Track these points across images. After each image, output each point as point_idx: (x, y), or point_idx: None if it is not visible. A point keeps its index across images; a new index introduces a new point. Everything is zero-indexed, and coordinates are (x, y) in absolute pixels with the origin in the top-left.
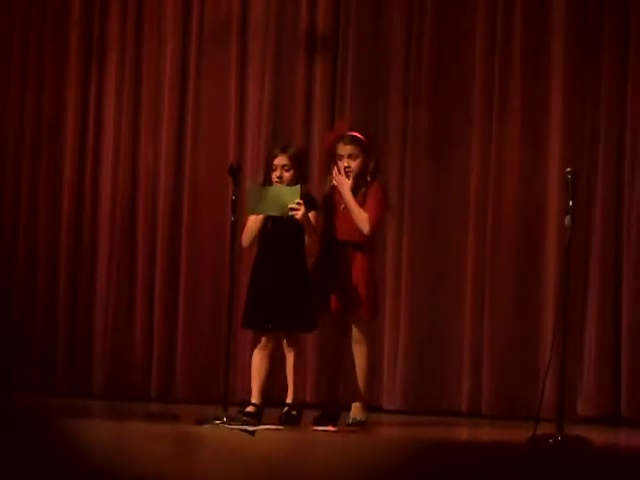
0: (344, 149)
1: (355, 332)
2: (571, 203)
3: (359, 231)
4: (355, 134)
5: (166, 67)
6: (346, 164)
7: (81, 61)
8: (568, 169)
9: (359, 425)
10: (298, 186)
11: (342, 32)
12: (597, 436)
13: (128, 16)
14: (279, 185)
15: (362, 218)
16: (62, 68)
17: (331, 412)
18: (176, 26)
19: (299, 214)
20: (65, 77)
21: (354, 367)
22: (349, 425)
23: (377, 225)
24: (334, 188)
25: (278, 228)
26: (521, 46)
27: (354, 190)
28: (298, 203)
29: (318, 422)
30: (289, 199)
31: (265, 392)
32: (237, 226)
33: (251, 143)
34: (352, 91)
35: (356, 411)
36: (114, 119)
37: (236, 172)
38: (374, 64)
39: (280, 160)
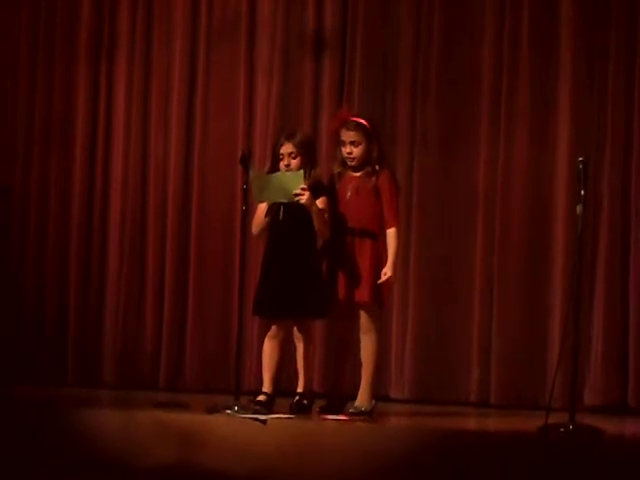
0: (347, 135)
1: (363, 321)
2: (583, 192)
3: (366, 218)
4: (358, 120)
5: (175, 59)
6: (348, 150)
7: (91, 54)
8: (580, 158)
9: (361, 414)
10: (301, 171)
11: (350, 27)
12: (604, 426)
13: (138, 11)
14: (282, 172)
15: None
16: (72, 62)
17: (337, 401)
18: (185, 19)
19: (304, 199)
20: (75, 69)
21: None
22: (350, 414)
23: (399, 219)
24: (339, 175)
25: (289, 216)
26: (529, 41)
27: (363, 177)
28: (302, 188)
29: (324, 411)
30: (293, 185)
31: (276, 381)
32: (248, 215)
33: (259, 135)
34: (360, 86)
35: (362, 400)
36: (124, 112)
37: (247, 160)
38: (382, 60)
39: (286, 148)
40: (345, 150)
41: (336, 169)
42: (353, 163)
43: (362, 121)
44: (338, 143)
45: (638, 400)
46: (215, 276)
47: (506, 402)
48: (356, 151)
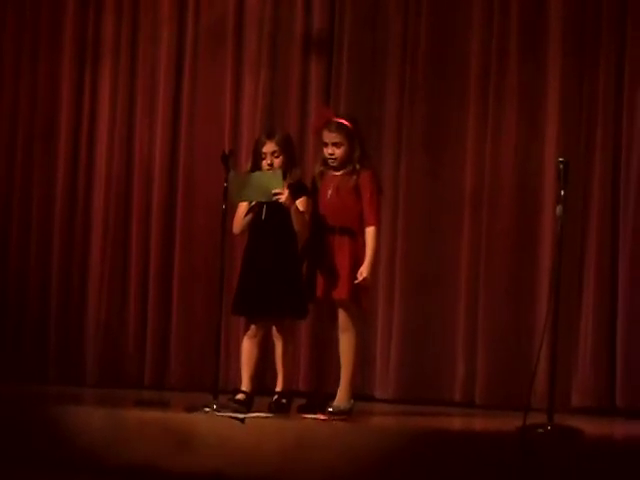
0: (329, 137)
1: (341, 319)
2: (563, 193)
3: (346, 217)
4: (340, 121)
5: (161, 55)
6: (330, 151)
7: (76, 52)
8: (560, 159)
9: (340, 414)
10: (280, 170)
11: (337, 26)
12: (591, 426)
13: (124, 8)
14: (261, 171)
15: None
16: (57, 60)
17: (318, 400)
18: (172, 17)
19: (283, 198)
20: (60, 69)
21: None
22: (329, 413)
23: (379, 218)
24: (321, 174)
25: (271, 215)
26: (518, 35)
27: (344, 176)
28: (282, 188)
29: (303, 410)
30: (272, 184)
31: (255, 380)
32: (228, 213)
33: (246, 134)
34: (347, 86)
35: (340, 399)
36: (109, 107)
37: (228, 159)
38: (369, 56)
39: (269, 147)
40: (327, 151)
41: (318, 168)
42: (335, 164)
43: (344, 122)
44: (321, 143)
45: (626, 401)
46: (200, 274)
47: (491, 402)
48: (338, 152)
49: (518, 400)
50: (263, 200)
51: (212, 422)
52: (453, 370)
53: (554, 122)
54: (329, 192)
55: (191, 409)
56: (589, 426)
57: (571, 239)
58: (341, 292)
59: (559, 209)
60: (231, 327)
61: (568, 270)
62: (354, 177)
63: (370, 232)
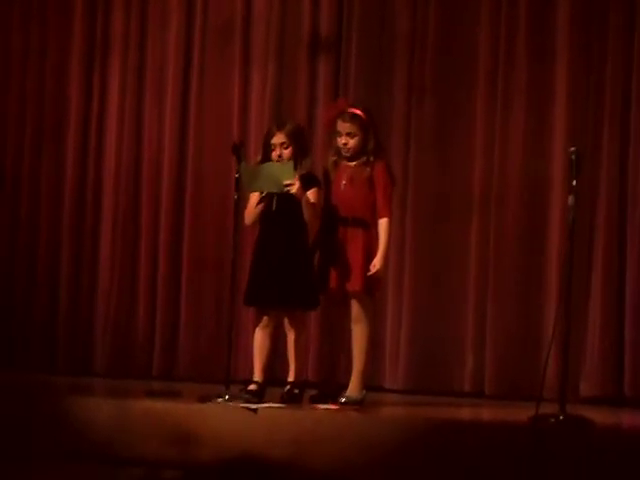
0: (343, 127)
1: (354, 310)
2: (575, 183)
3: (360, 208)
4: (355, 111)
5: (170, 51)
6: (344, 141)
7: (84, 43)
8: (572, 149)
9: (352, 404)
10: (291, 162)
11: (346, 20)
12: (599, 416)
13: (132, 2)
14: (272, 162)
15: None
16: (65, 51)
17: (330, 390)
18: (181, 11)
19: (294, 189)
20: (68, 59)
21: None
22: (341, 403)
23: (392, 209)
24: (334, 164)
25: (281, 206)
26: (526, 29)
27: (357, 167)
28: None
29: (315, 400)
30: (283, 175)
31: (267, 370)
32: (240, 204)
33: (254, 126)
34: (355, 80)
35: (352, 389)
36: (118, 103)
37: (239, 150)
38: (377, 53)
39: (278, 138)
40: (341, 141)
41: (331, 158)
42: (348, 154)
43: (358, 112)
44: (334, 132)
45: (634, 391)
46: (208, 265)
47: (501, 392)
48: (351, 142)
49: (527, 390)
50: (274, 191)
51: (224, 413)
52: (462, 361)
53: (562, 116)
54: (343, 183)
55: (204, 399)
56: (598, 416)
57: (579, 230)
58: (355, 284)
59: (571, 199)
60: (240, 318)
61: (576, 260)
62: (368, 168)
63: (383, 224)
